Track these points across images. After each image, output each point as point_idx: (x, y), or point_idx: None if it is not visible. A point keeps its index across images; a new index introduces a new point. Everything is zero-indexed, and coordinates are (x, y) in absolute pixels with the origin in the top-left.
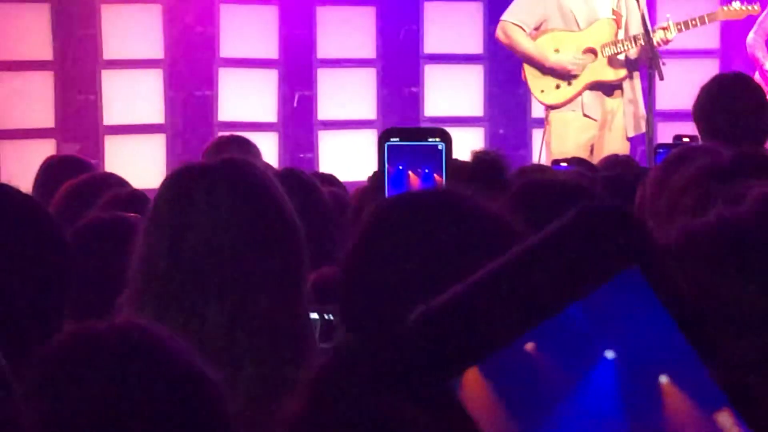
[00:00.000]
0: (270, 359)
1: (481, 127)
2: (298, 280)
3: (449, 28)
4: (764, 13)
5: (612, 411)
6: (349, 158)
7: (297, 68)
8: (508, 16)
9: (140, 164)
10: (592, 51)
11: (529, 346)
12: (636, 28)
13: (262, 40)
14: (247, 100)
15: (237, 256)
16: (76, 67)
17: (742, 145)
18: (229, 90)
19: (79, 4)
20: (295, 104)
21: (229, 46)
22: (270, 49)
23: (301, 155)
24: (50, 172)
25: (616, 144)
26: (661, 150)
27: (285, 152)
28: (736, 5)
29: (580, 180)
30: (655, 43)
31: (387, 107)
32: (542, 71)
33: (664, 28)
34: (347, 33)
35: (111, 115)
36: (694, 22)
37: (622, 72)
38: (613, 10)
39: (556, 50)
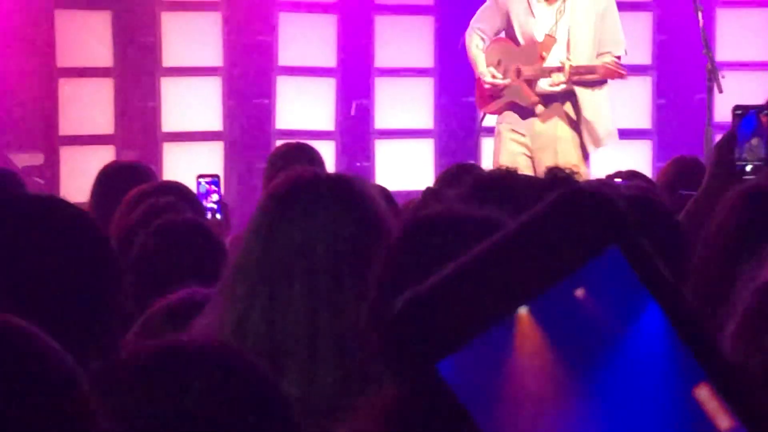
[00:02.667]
0: (351, 351)
1: None
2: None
3: None
4: None
5: (659, 360)
6: (406, 167)
7: (355, 77)
8: (473, 20)
9: (198, 171)
10: (517, 71)
11: (580, 292)
12: (585, 55)
13: (320, 48)
14: (304, 109)
15: (330, 261)
16: (136, 74)
17: None
18: (287, 98)
19: (140, 12)
20: (352, 113)
21: (287, 55)
22: (328, 58)
23: (358, 164)
24: (110, 178)
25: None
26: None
27: (342, 161)
28: None
29: (648, 194)
30: (553, 86)
31: (444, 117)
32: (479, 82)
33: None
34: (406, 42)
35: (169, 123)
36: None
37: (531, 99)
38: (546, 35)
39: (499, 61)
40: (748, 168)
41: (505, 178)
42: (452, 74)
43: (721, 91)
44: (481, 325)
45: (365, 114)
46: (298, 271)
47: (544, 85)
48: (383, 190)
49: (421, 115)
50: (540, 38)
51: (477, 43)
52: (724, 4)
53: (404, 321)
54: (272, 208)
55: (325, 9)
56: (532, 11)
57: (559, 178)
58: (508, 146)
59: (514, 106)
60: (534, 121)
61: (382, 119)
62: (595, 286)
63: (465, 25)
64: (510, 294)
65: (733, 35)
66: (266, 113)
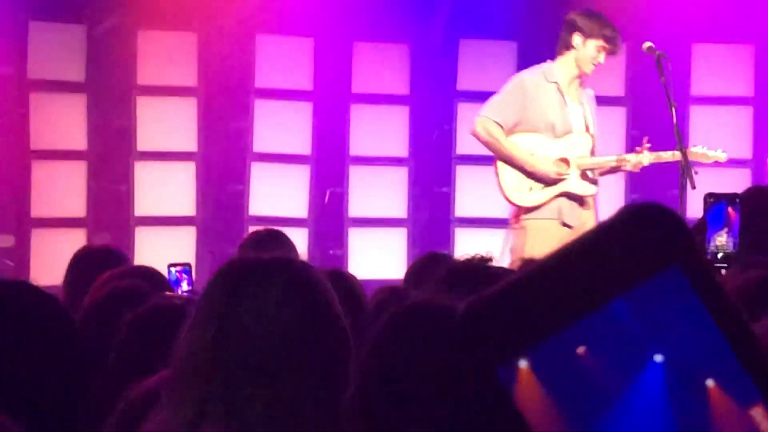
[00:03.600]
0: None
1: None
2: (344, 377)
3: None
4: None
5: (660, 414)
6: (379, 256)
7: (330, 164)
8: (488, 112)
9: (171, 256)
10: (565, 161)
11: (581, 349)
12: (598, 147)
13: (295, 135)
14: (278, 195)
15: (283, 351)
16: (110, 157)
17: None
18: (261, 184)
19: (115, 95)
20: (326, 200)
21: (262, 141)
22: (303, 145)
23: (331, 251)
24: (82, 263)
25: None
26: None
27: (315, 248)
28: (699, 149)
29: None
30: (630, 167)
31: (418, 205)
32: (522, 172)
33: (637, 152)
34: (381, 131)
35: (142, 207)
36: (667, 155)
37: (593, 188)
38: (586, 126)
39: (531, 153)
40: (720, 256)
41: (479, 267)
42: (426, 163)
43: (693, 188)
44: (545, 330)
45: (339, 201)
46: (252, 365)
47: (594, 174)
48: (350, 279)
49: (394, 204)
50: (581, 129)
51: (498, 132)
52: (701, 40)
53: (470, 323)
54: (218, 296)
55: (300, 96)
56: (566, 102)
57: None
58: (551, 240)
59: (561, 198)
60: (581, 212)
61: (356, 207)
62: (597, 344)
63: (439, 115)
64: (573, 302)
65: (709, 71)
66: (240, 199)
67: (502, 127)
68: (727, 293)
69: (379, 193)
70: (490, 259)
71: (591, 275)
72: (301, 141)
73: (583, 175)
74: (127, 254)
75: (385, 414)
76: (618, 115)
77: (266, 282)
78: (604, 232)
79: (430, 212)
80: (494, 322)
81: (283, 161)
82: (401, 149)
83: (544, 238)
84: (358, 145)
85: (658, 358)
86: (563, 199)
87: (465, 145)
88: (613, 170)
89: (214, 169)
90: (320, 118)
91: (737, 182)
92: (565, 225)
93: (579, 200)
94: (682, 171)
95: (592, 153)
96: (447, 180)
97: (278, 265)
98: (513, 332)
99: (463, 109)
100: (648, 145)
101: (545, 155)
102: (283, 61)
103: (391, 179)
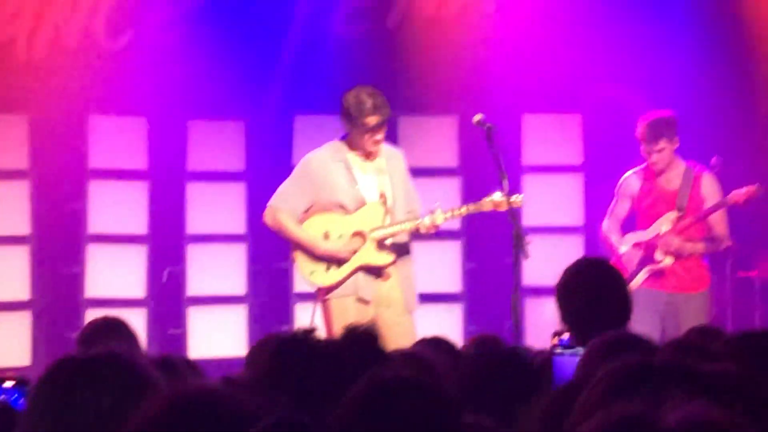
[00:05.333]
0: None
1: None
2: None
3: None
4: (614, 200)
5: None
6: (219, 334)
7: (167, 243)
8: (277, 201)
9: (5, 342)
10: (361, 235)
11: None
12: (401, 213)
13: (131, 214)
14: (115, 276)
15: None
16: None
17: (602, 328)
18: (97, 266)
19: None
20: (164, 280)
21: (98, 222)
22: (140, 225)
23: (170, 331)
24: None
25: (399, 319)
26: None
27: (154, 329)
28: (496, 196)
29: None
30: (423, 229)
31: (257, 282)
32: (314, 256)
33: (431, 214)
34: (217, 208)
35: None
36: (461, 210)
37: (389, 257)
38: (381, 193)
39: (326, 233)
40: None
41: (306, 339)
42: (265, 239)
43: (527, 257)
44: None
45: (178, 280)
46: None
47: (398, 243)
48: (187, 362)
49: (234, 281)
50: (375, 199)
51: (287, 220)
52: (530, 111)
53: None
54: (49, 394)
55: (135, 175)
56: (355, 178)
57: (357, 336)
58: (350, 316)
59: (358, 273)
60: (380, 285)
61: (195, 285)
62: None
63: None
64: None
65: (539, 140)
66: (76, 281)
67: (296, 211)
68: None
69: (217, 270)
70: (314, 330)
71: None
72: (137, 220)
73: (380, 246)
74: None
75: None
76: (452, 186)
77: (95, 379)
78: None
79: (270, 288)
80: None
81: (119, 242)
82: (239, 226)
83: (344, 315)
84: (195, 223)
85: None
86: (360, 274)
87: None
88: (418, 232)
89: (48, 251)
90: (156, 196)
91: (571, 250)
92: (361, 300)
93: (377, 273)
94: (515, 241)
95: (392, 219)
96: (285, 255)
97: (107, 361)
98: None
99: None
100: (438, 203)
101: (339, 234)
102: (116, 141)
103: (229, 256)
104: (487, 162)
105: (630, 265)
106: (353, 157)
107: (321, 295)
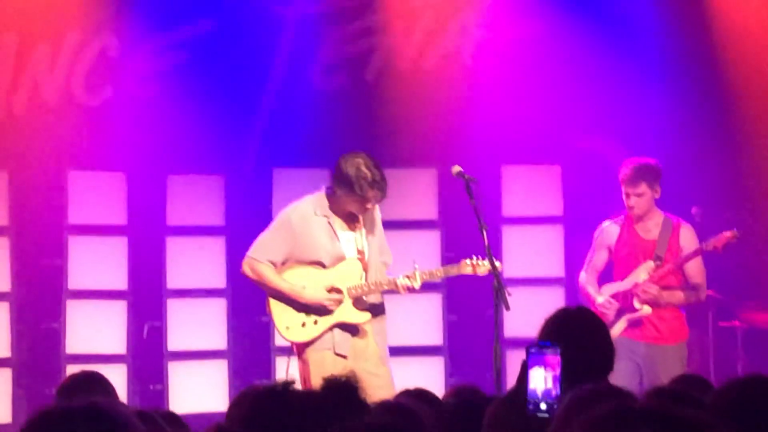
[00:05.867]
0: None
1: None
2: None
3: None
4: (591, 250)
5: None
6: (200, 389)
7: (147, 299)
8: (255, 253)
9: None
10: (337, 290)
11: None
12: (376, 267)
13: (111, 269)
14: (95, 332)
15: None
16: None
17: (584, 378)
18: (77, 322)
19: None
20: (144, 335)
21: (77, 278)
22: (119, 280)
23: (151, 387)
24: None
25: (377, 371)
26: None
27: (134, 384)
28: (468, 262)
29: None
30: (401, 290)
31: (238, 336)
32: (294, 306)
33: (409, 276)
34: (197, 263)
35: None
36: (439, 273)
37: (365, 315)
38: (359, 250)
39: (303, 287)
40: (543, 406)
41: (285, 391)
42: (245, 294)
43: (507, 309)
44: None
45: (158, 336)
46: None
47: (372, 299)
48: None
49: (214, 336)
50: (354, 256)
51: (266, 270)
52: (509, 162)
53: None
54: None
55: (115, 231)
56: (336, 235)
57: (337, 387)
58: (328, 369)
59: (335, 329)
60: (356, 341)
61: (175, 340)
62: None
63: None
64: None
65: (519, 192)
66: (56, 337)
67: (274, 262)
68: None
69: (198, 325)
70: (293, 381)
71: None
72: (117, 275)
73: (357, 303)
74: None
75: None
76: (432, 239)
77: (76, 431)
78: None
79: (251, 342)
80: None
81: (99, 297)
82: (219, 280)
83: (322, 368)
84: (175, 278)
85: None
86: (336, 330)
87: None
88: (396, 290)
89: (28, 307)
90: (136, 251)
91: (551, 301)
92: (338, 355)
93: (352, 330)
94: (496, 293)
95: (368, 274)
96: (265, 309)
97: (87, 413)
98: None
99: None
100: (417, 265)
101: (315, 288)
102: (96, 196)
103: (209, 311)
104: (467, 214)
105: (606, 317)
106: (335, 214)
107: (298, 348)
